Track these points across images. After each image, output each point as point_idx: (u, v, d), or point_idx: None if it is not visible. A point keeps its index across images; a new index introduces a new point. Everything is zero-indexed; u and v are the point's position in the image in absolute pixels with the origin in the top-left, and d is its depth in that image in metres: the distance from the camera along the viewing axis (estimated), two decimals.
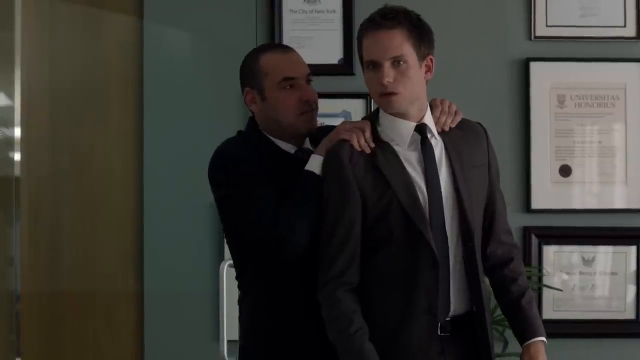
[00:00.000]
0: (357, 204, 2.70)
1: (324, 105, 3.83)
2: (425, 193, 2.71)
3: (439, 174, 2.74)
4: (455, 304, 2.75)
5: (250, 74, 2.93)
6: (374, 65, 2.70)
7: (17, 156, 4.12)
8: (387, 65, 2.68)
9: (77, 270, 4.20)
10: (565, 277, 4.17)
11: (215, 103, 4.14)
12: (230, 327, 3.71)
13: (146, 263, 4.16)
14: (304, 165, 2.80)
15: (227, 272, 3.74)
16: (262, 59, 2.91)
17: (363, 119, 2.86)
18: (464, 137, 2.82)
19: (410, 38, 2.70)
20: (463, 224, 2.75)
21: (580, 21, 4.18)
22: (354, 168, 2.71)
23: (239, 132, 2.99)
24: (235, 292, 2.99)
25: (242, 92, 2.96)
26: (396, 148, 2.75)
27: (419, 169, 2.73)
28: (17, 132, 4.12)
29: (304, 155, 2.85)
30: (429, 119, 2.79)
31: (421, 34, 2.73)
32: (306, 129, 2.91)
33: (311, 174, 2.78)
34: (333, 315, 2.71)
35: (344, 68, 4.14)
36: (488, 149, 2.87)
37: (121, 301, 4.20)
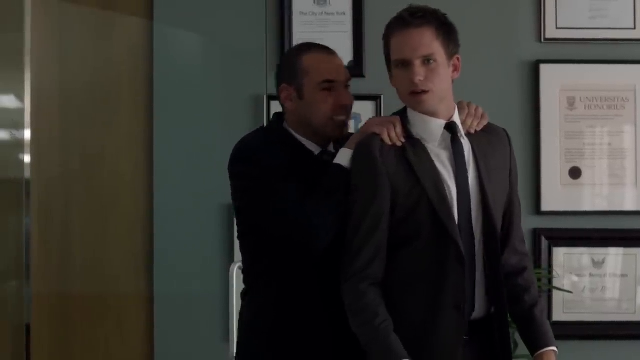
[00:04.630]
0: (387, 196, 2.68)
1: None
2: (453, 191, 2.70)
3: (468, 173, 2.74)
4: (479, 303, 2.74)
5: (290, 70, 2.90)
6: (403, 64, 2.69)
7: (27, 158, 4.12)
8: (417, 63, 2.67)
9: (87, 272, 4.20)
10: (575, 279, 4.16)
11: (224, 105, 4.14)
12: None
13: (156, 265, 4.16)
14: (324, 168, 2.78)
15: (237, 274, 3.74)
16: (306, 58, 2.90)
17: (393, 114, 2.83)
18: (489, 141, 2.82)
19: (439, 37, 2.69)
20: (487, 224, 2.74)
21: (590, 23, 4.18)
22: (384, 161, 2.69)
23: (262, 127, 2.96)
24: None
25: (277, 87, 2.94)
26: (426, 145, 2.74)
27: (449, 167, 2.72)
28: (27, 134, 4.12)
29: (327, 158, 2.84)
30: (457, 119, 2.78)
31: (449, 32, 2.73)
32: (336, 134, 2.89)
33: (340, 167, 2.76)
34: (357, 307, 2.69)
35: (354, 70, 4.10)
36: (510, 154, 2.87)
37: (131, 303, 4.20)
